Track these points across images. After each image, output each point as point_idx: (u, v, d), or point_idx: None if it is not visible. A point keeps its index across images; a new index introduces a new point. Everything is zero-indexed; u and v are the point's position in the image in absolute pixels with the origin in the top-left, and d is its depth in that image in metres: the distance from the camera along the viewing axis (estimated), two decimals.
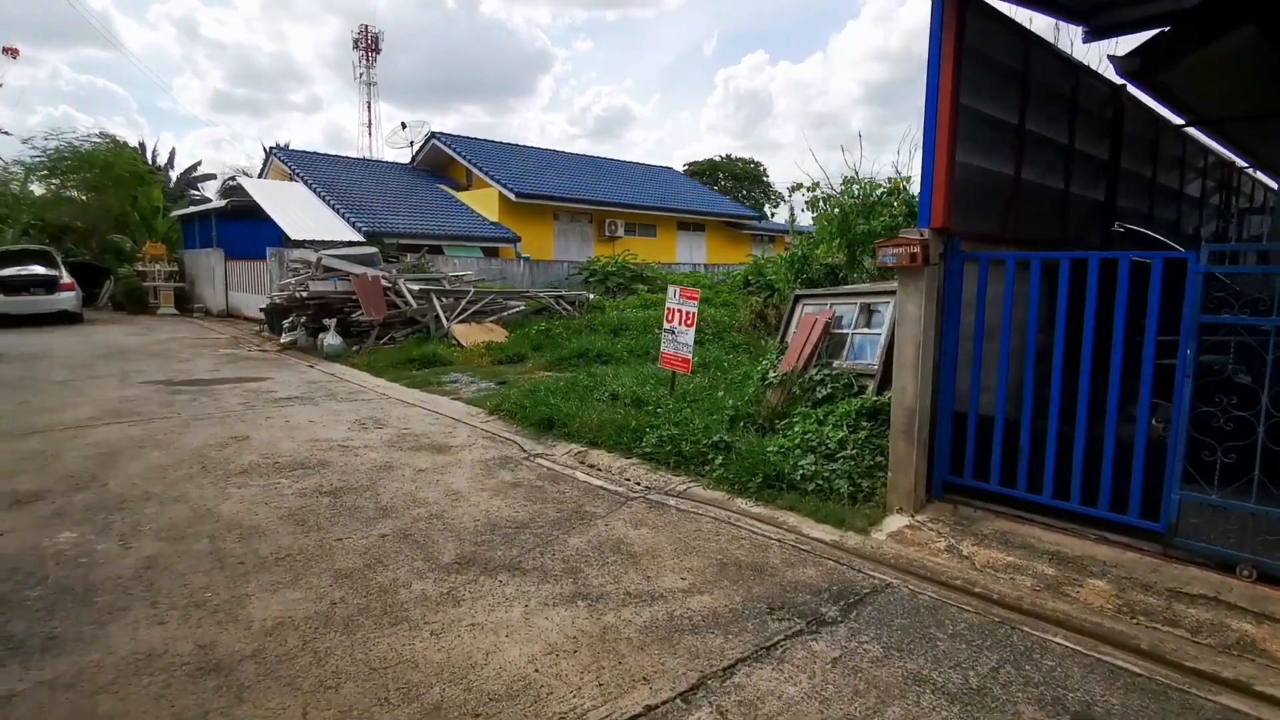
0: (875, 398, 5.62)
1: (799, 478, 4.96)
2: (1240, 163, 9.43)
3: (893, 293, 6.20)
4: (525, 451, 6.17)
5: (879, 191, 6.82)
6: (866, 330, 6.34)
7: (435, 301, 12.51)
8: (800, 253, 7.21)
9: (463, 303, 12.93)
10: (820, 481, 4.90)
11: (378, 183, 22.05)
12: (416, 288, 12.92)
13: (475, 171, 22.63)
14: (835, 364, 6.31)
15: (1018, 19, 4.99)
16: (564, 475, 5.48)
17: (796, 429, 5.59)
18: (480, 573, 3.65)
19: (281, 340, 13.62)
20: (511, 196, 21.31)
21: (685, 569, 3.76)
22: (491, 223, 21.69)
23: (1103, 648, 3.03)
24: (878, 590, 3.56)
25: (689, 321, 7.21)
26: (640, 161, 31.68)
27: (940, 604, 3.41)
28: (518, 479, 5.32)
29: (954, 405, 4.64)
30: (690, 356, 7.22)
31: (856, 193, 6.82)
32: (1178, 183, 7.75)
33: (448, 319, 12.51)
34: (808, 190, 7.79)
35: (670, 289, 7.46)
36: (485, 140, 25.63)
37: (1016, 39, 5.01)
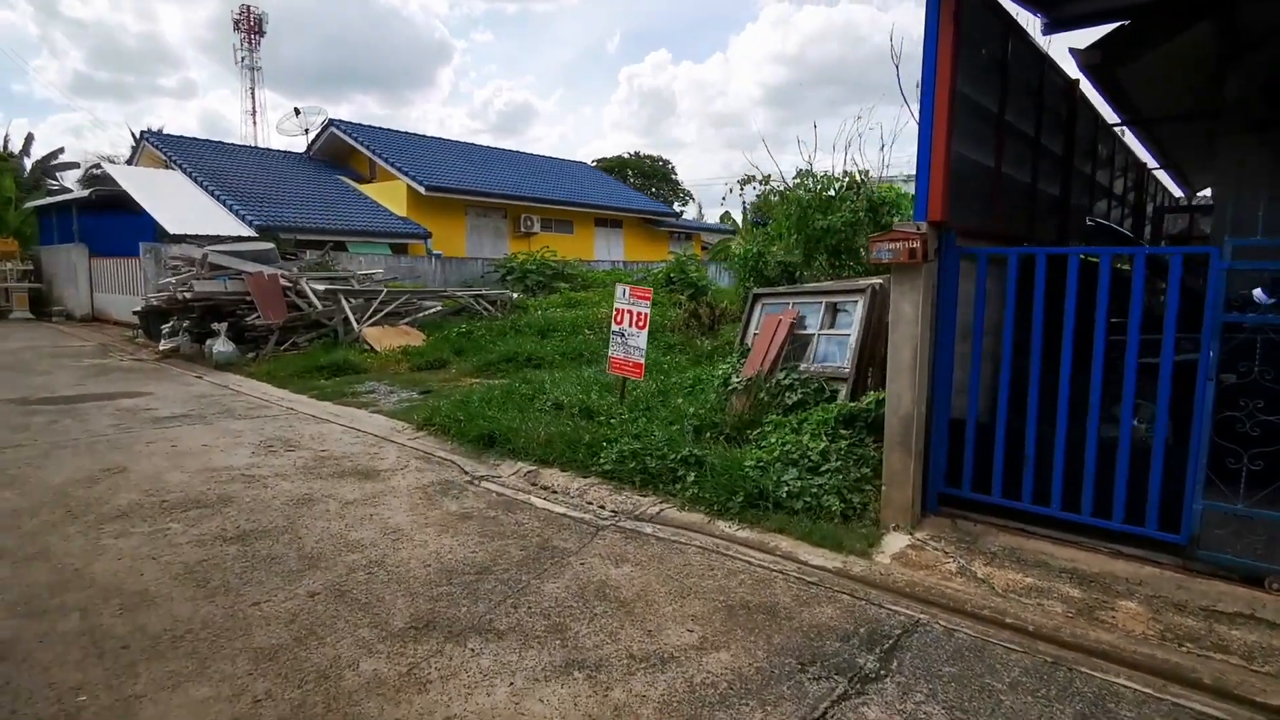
0: (851, 404, 5.27)
1: (784, 495, 4.52)
2: (1151, 163, 9.84)
3: (860, 291, 5.90)
4: (467, 474, 5.44)
5: (836, 186, 6.52)
6: (833, 331, 6.00)
7: (344, 303, 11.39)
8: (755, 249, 6.81)
9: (374, 304, 11.85)
10: (808, 499, 4.48)
11: (269, 173, 20.23)
12: (321, 288, 11.73)
13: (380, 163, 21.17)
14: (803, 367, 5.94)
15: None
16: (518, 502, 4.82)
17: (772, 440, 5.16)
18: (445, 639, 2.97)
19: (161, 347, 12.07)
20: (421, 190, 20.06)
21: (688, 617, 3.21)
22: (399, 218, 20.35)
23: (1171, 688, 2.72)
24: (908, 630, 3.15)
25: (640, 323, 6.66)
26: (554, 156, 30.84)
27: (981, 643, 3.03)
28: (465, 508, 4.61)
29: (949, 412, 4.32)
30: (643, 361, 6.68)
31: (813, 186, 6.50)
32: (1108, 180, 7.91)
33: (358, 322, 11.41)
34: (758, 184, 7.45)
35: (619, 288, 6.89)
36: (390, 130, 24.10)
37: (999, 22, 4.77)
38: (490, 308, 13.67)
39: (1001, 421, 4.12)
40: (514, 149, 28.40)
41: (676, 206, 46.60)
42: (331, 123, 22.86)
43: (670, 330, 12.39)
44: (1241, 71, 5.89)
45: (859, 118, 9.46)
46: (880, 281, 5.87)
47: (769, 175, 7.31)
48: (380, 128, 24.01)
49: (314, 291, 11.70)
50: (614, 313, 6.90)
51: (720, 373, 6.32)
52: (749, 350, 6.41)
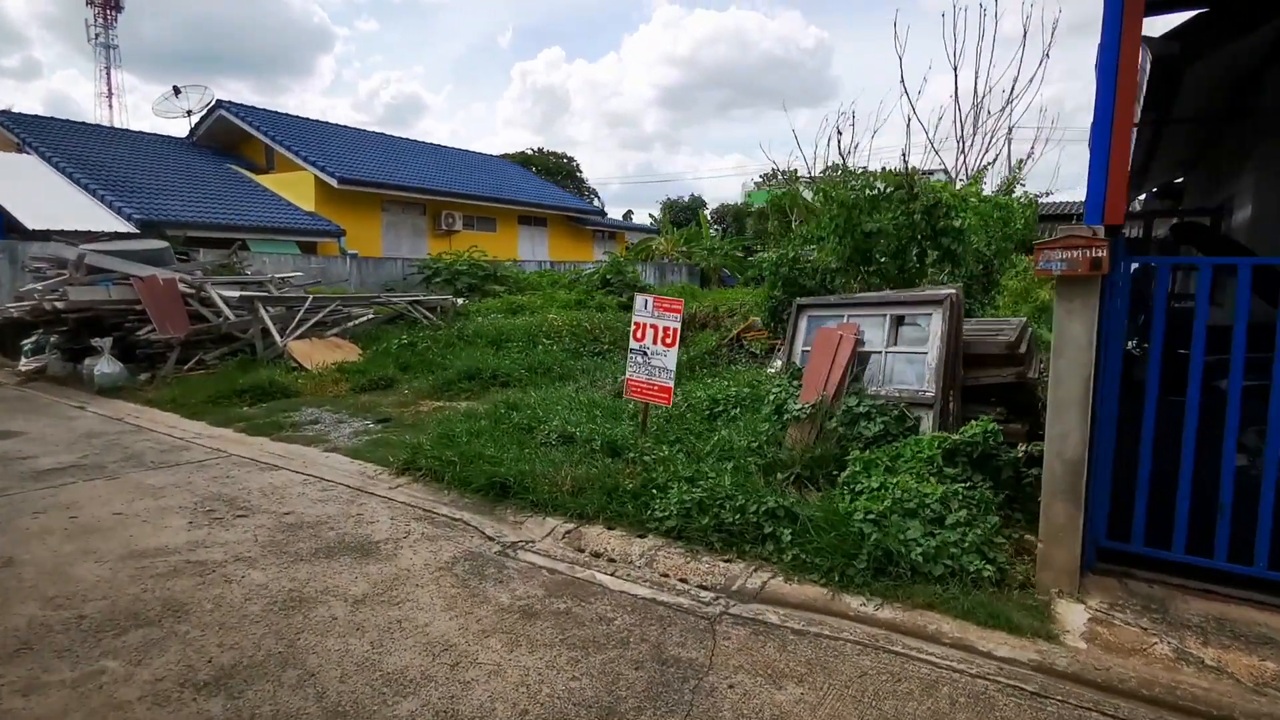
0: (950, 435, 4.52)
1: (918, 558, 3.69)
2: None
3: (934, 302, 5.18)
4: (491, 539, 4.29)
5: (882, 184, 5.79)
6: (902, 348, 5.25)
7: (262, 312, 9.67)
8: (791, 253, 5.98)
9: (300, 312, 10.17)
10: (948, 562, 3.68)
11: (148, 160, 17.61)
12: (233, 294, 9.94)
13: (282, 151, 18.94)
14: (871, 391, 5.15)
15: None
16: (582, 583, 3.73)
17: (869, 482, 4.33)
18: None
19: (21, 368, 9.92)
20: (333, 182, 18.07)
21: None
22: (306, 213, 18.25)
23: None
24: None
25: (669, 339, 5.68)
26: (473, 150, 29.08)
27: None
28: (521, 599, 3.49)
29: (1113, 452, 3.64)
30: (671, 384, 5.70)
31: (858, 185, 5.74)
32: None
33: (281, 334, 9.72)
34: (781, 179, 6.62)
35: (639, 298, 5.87)
36: (291, 115, 21.74)
37: None
38: (430, 315, 12.20)
39: (1188, 463, 3.46)
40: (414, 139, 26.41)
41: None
42: (220, 104, 20.28)
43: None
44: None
45: (841, 113, 8.84)
46: (954, 291, 5.18)
47: (795, 171, 6.54)
48: (279, 112, 21.60)
49: (223, 299, 9.89)
50: (632, 327, 5.88)
51: (773, 397, 5.44)
52: (798, 369, 5.57)
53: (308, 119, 22.42)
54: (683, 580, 3.81)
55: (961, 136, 7.49)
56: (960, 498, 4.08)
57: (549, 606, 3.40)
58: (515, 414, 6.64)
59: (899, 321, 5.34)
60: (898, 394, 5.07)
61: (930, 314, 5.16)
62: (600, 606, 3.42)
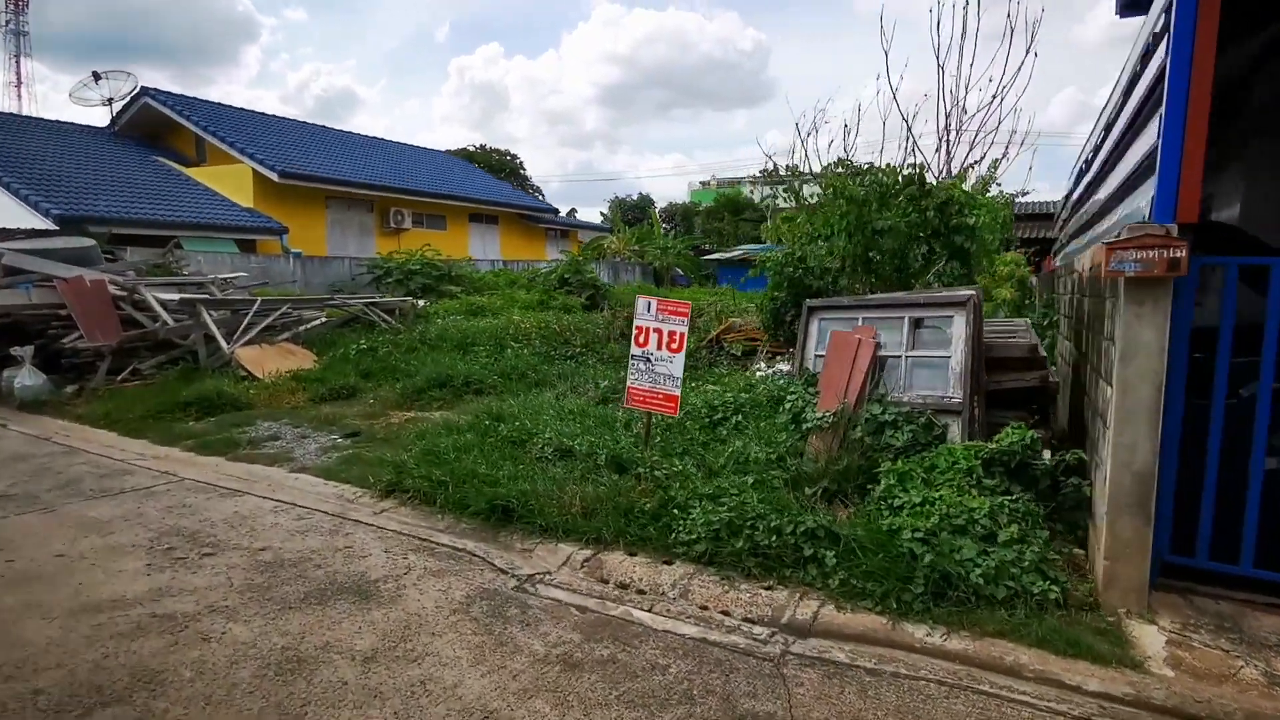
0: (988, 444, 4.31)
1: (978, 580, 3.44)
2: None
3: (956, 304, 4.98)
4: (505, 571, 3.85)
5: (893, 180, 5.56)
6: (922, 352, 5.03)
7: (206, 316, 8.86)
8: (796, 252, 5.70)
9: (247, 316, 9.38)
10: (1009, 583, 3.44)
11: (65, 151, 16.22)
12: (171, 297, 9.09)
13: (215, 143, 17.74)
14: (893, 397, 4.91)
15: None
16: (619, 622, 3.34)
17: (908, 496, 4.07)
18: None
19: None
20: (273, 177, 17.02)
21: None
22: (244, 209, 17.13)
23: None
24: None
25: (675, 345, 5.32)
26: (418, 145, 28.05)
27: None
28: (557, 645, 3.07)
29: (1177, 463, 3.46)
30: (678, 393, 5.34)
31: (871, 181, 5.50)
32: None
33: (227, 340, 8.94)
34: (788, 174, 6.36)
35: (640, 301, 5.49)
36: (224, 105, 20.41)
37: None
38: (388, 318, 11.50)
39: (1258, 472, 3.31)
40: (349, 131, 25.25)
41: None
42: (145, 91, 18.87)
43: (610, 340, 11.07)
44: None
45: (822, 107, 8.62)
46: (974, 292, 4.99)
47: (795, 167, 6.28)
48: (211, 101, 20.26)
49: (160, 302, 9.03)
50: (634, 331, 5.49)
51: (788, 405, 5.15)
52: (812, 375, 5.30)
53: (243, 109, 21.11)
54: (725, 613, 3.46)
55: (944, 135, 7.38)
56: (1007, 512, 3.87)
57: (591, 654, 3.00)
58: (501, 425, 6.17)
59: (916, 324, 5.12)
60: (922, 400, 4.84)
61: (951, 316, 4.96)
62: (648, 651, 3.04)
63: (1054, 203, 12.29)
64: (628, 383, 5.54)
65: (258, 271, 15.70)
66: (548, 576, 3.82)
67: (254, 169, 17.17)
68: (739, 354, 9.59)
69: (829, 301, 5.36)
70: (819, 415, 4.86)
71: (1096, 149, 6.21)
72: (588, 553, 4.09)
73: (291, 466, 5.75)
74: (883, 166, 5.56)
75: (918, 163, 5.73)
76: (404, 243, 20.56)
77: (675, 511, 4.30)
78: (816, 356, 5.39)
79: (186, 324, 8.93)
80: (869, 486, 4.47)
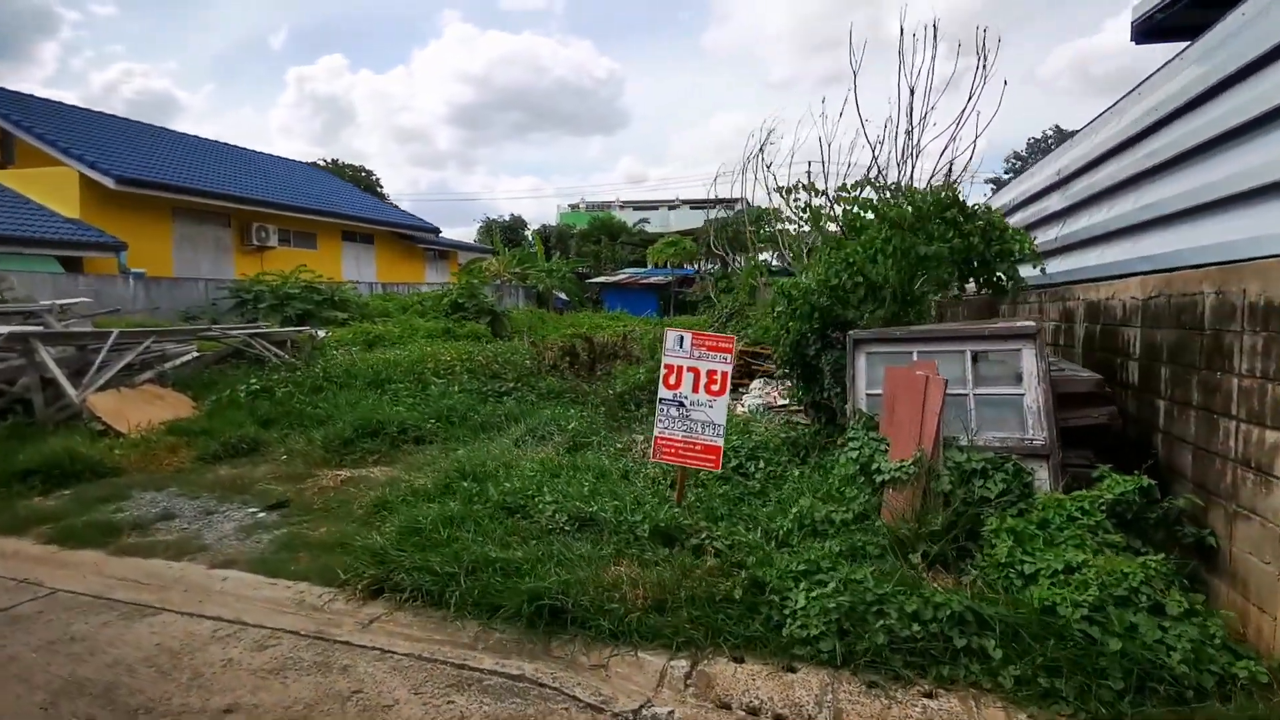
0: (1098, 493, 3.87)
1: (1179, 666, 2.92)
2: None
3: (1022, 335, 4.58)
4: (596, 707, 2.86)
5: (940, 199, 5.13)
6: (986, 390, 4.58)
7: (44, 354, 6.88)
8: (834, 279, 5.12)
9: (102, 353, 7.42)
10: (1212, 668, 2.95)
11: None
12: None
13: (31, 141, 14.77)
14: (965, 440, 4.40)
15: None
16: None
17: (1043, 561, 3.52)
18: None
19: None
20: (108, 183, 14.34)
21: None
22: (69, 220, 14.28)
23: None
24: None
25: (716, 387, 4.54)
26: (278, 155, 25.24)
27: None
28: None
29: None
30: (720, 443, 4.55)
31: (919, 202, 5.02)
32: None
33: (75, 385, 7.00)
34: (806, 193, 5.75)
35: (670, 335, 4.66)
36: (43, 98, 17.12)
37: None
38: (279, 351, 9.73)
39: None
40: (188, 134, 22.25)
41: None
42: None
43: (537, 373, 10.03)
44: None
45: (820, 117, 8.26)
46: (1034, 323, 4.63)
47: (812, 184, 5.71)
48: (22, 92, 16.89)
49: None
50: (662, 371, 4.65)
51: (854, 456, 4.48)
52: (869, 418, 4.69)
53: (66, 104, 17.83)
54: None
55: (904, 157, 7.24)
56: (1160, 575, 3.42)
57: None
58: (481, 488, 5.06)
59: (977, 358, 4.68)
60: (1000, 443, 4.37)
61: (1018, 349, 4.56)
62: None
63: None
64: (655, 432, 4.69)
65: (89, 294, 13.06)
66: (650, 707, 2.87)
67: (82, 173, 14.37)
68: None
69: (879, 333, 4.82)
70: (895, 466, 4.25)
71: (1087, 165, 6.13)
72: (683, 664, 3.17)
73: (210, 559, 4.32)
74: (914, 187, 5.17)
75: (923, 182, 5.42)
76: (268, 263, 18.18)
77: (771, 597, 3.50)
78: (868, 395, 4.81)
79: (14, 364, 6.89)
80: (969, 547, 3.92)
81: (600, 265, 41.16)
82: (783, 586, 3.56)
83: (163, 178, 15.77)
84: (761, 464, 5.46)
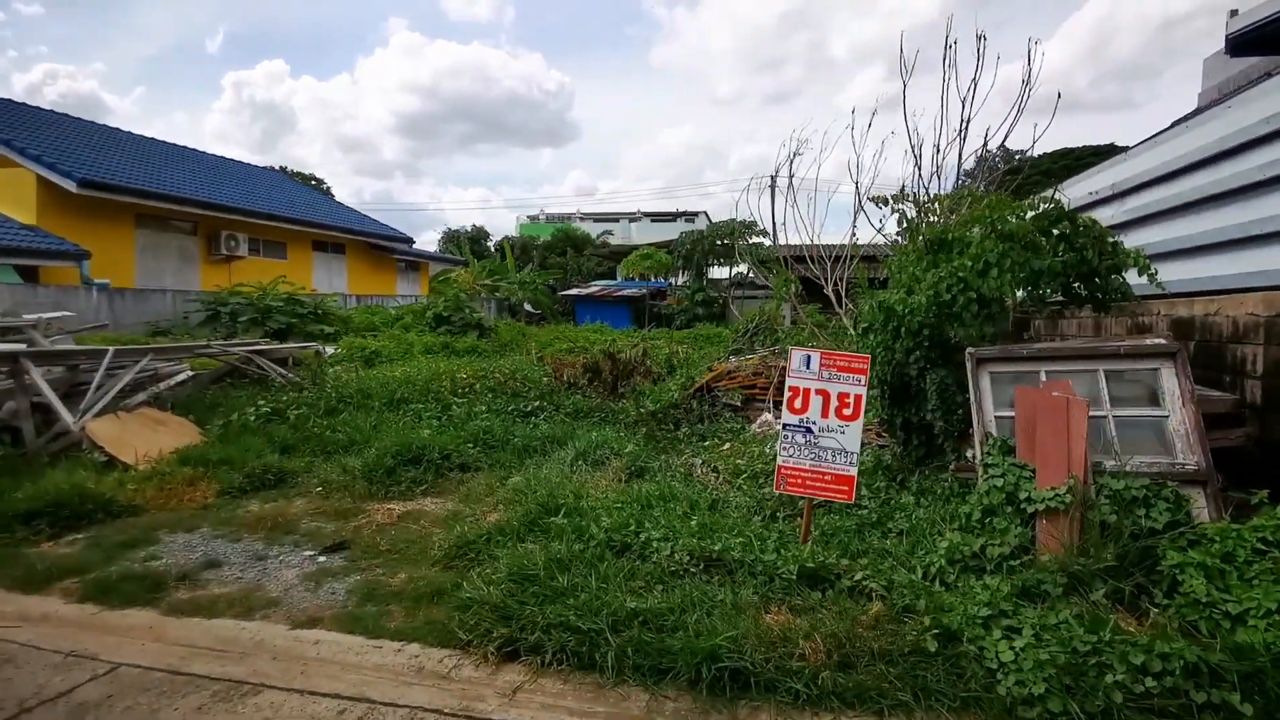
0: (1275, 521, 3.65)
1: None
2: None
3: (1162, 354, 4.37)
4: None
5: (1047, 210, 4.92)
6: (1128, 411, 4.34)
7: (35, 375, 6.09)
8: (948, 295, 4.83)
9: (98, 374, 6.64)
10: None
11: None
12: None
13: None
14: (1115, 465, 4.15)
15: None
16: None
17: (1241, 600, 3.26)
18: None
19: None
20: (69, 186, 13.26)
21: None
22: (24, 226, 13.13)
23: None
24: None
25: (849, 411, 4.18)
26: (243, 160, 24.00)
27: None
28: None
29: None
30: (853, 473, 4.19)
31: (1036, 214, 4.79)
32: None
33: (74, 410, 6.22)
34: (896, 203, 5.46)
35: (795, 355, 4.29)
36: None
37: None
38: (281, 370, 8.99)
39: None
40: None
41: None
42: None
43: (555, 390, 9.53)
44: None
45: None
46: (1170, 339, 4.43)
47: (910, 194, 5.44)
48: None
49: None
50: (787, 394, 4.27)
51: (995, 483, 4.17)
52: (1004, 443, 4.40)
53: (16, 101, 16.48)
54: None
55: (927, 173, 7.11)
56: None
57: None
58: (572, 522, 4.57)
59: (1115, 378, 4.45)
60: (1146, 467, 4.14)
61: (1156, 369, 4.35)
62: None
63: None
64: (779, 461, 4.31)
65: (49, 306, 12.01)
66: None
67: (39, 175, 13.23)
68: (738, 404, 8.61)
69: (1003, 351, 4.55)
70: (1049, 494, 3.96)
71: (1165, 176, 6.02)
72: None
73: (287, 617, 3.74)
74: (1012, 199, 4.95)
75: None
76: (236, 273, 17.16)
77: (967, 647, 3.15)
78: (997, 418, 4.52)
79: (2, 387, 6.08)
80: (1144, 584, 3.65)
81: (567, 277, 40.61)
82: (974, 635, 3.21)
83: (129, 181, 14.65)
84: (863, 490, 5.13)
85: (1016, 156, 9.30)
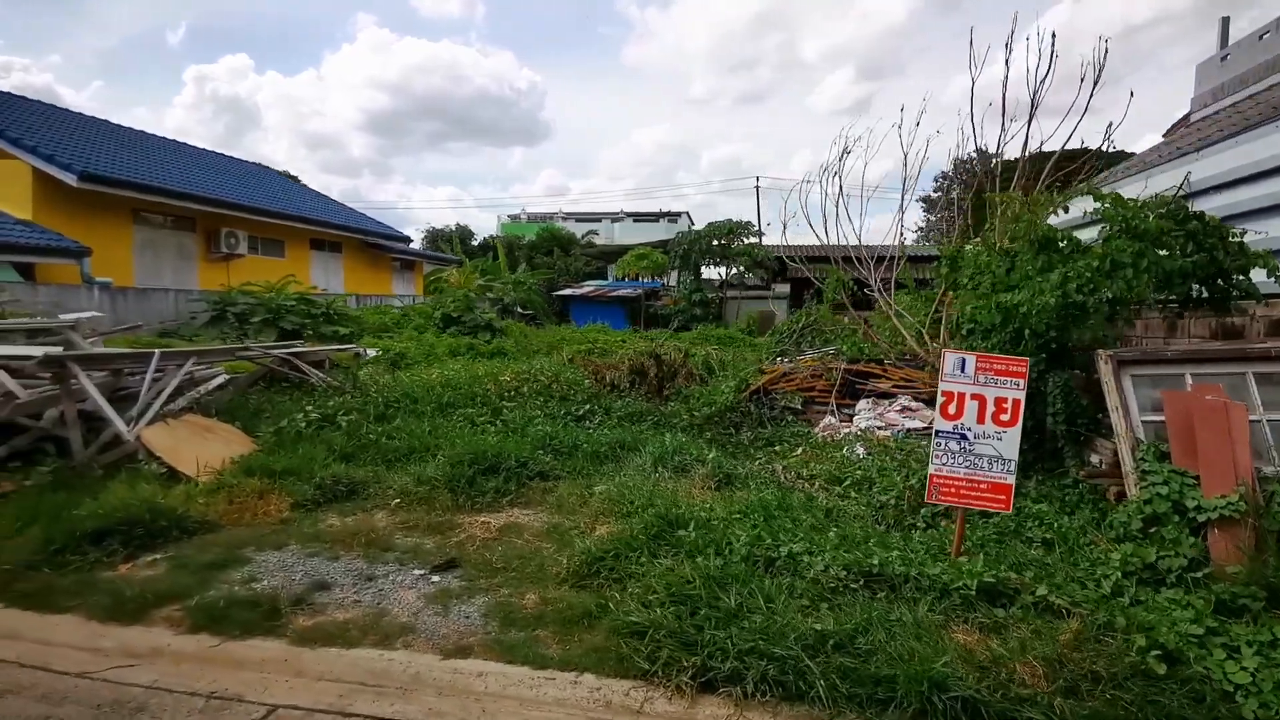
0: None
1: None
2: None
3: None
4: None
5: (1173, 207, 4.80)
6: (1276, 415, 4.22)
7: (87, 382, 5.66)
8: (1074, 294, 4.68)
9: (147, 379, 6.21)
10: None
11: None
12: (16, 351, 5.73)
13: None
14: (1275, 470, 4.03)
15: None
16: None
17: None
18: None
19: None
20: (69, 180, 12.61)
21: None
22: (20, 222, 12.46)
23: None
24: None
25: (1007, 417, 3.99)
26: (238, 157, 23.24)
27: None
28: None
29: None
30: (1010, 481, 4.00)
31: (1167, 212, 4.67)
32: None
33: (125, 419, 5.80)
34: (994, 202, 5.29)
35: (949, 358, 4.08)
36: None
37: None
38: (320, 374, 8.58)
39: None
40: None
41: None
42: None
43: (599, 394, 9.24)
44: None
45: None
46: None
47: (1012, 194, 5.27)
48: None
49: None
50: (940, 400, 4.07)
51: (1160, 490, 4.01)
52: (1154, 447, 4.25)
53: (4, 91, 15.68)
54: None
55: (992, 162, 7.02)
56: None
57: None
58: (704, 535, 4.32)
59: (1258, 380, 4.33)
60: None
61: None
62: None
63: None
64: (930, 470, 4.10)
65: (49, 305, 11.41)
66: None
67: (36, 168, 12.56)
68: (799, 407, 8.41)
69: (1147, 353, 4.40)
70: (1221, 502, 3.82)
71: None
72: None
73: (433, 646, 3.44)
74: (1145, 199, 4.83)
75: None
76: (235, 271, 16.56)
77: (1195, 668, 2.98)
78: (1143, 423, 4.37)
79: (48, 394, 5.64)
80: None
81: (557, 278, 40.19)
82: (1196, 655, 3.04)
83: (129, 175, 13.99)
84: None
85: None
